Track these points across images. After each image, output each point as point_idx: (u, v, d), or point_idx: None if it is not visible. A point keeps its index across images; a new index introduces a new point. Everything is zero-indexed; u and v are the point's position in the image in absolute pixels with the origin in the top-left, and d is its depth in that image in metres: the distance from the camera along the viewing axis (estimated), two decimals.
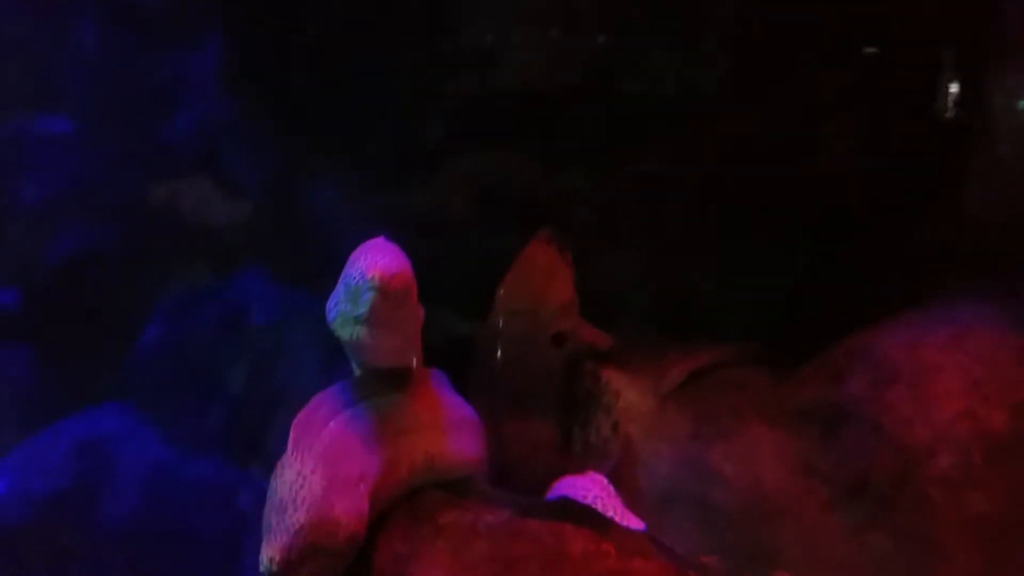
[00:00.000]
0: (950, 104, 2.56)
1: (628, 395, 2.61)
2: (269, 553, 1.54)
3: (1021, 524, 2.00)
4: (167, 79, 4.36)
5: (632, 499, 2.34)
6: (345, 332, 1.82)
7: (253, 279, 3.96)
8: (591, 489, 2.02)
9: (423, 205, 3.02)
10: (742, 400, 2.43)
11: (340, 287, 1.82)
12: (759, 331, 2.74)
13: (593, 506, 1.94)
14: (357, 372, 2.06)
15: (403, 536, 1.66)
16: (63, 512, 3.33)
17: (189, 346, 3.86)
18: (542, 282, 2.76)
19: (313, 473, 1.62)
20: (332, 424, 1.75)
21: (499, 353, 2.72)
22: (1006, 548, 2.00)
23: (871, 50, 2.58)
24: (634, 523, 1.90)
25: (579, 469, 2.32)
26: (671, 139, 2.80)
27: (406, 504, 1.77)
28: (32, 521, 3.29)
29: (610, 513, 1.91)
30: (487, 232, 3.03)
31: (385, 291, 1.70)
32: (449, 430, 2.01)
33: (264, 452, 3.23)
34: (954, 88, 2.55)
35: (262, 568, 1.55)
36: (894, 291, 2.41)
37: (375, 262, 1.73)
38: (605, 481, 2.08)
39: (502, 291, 2.77)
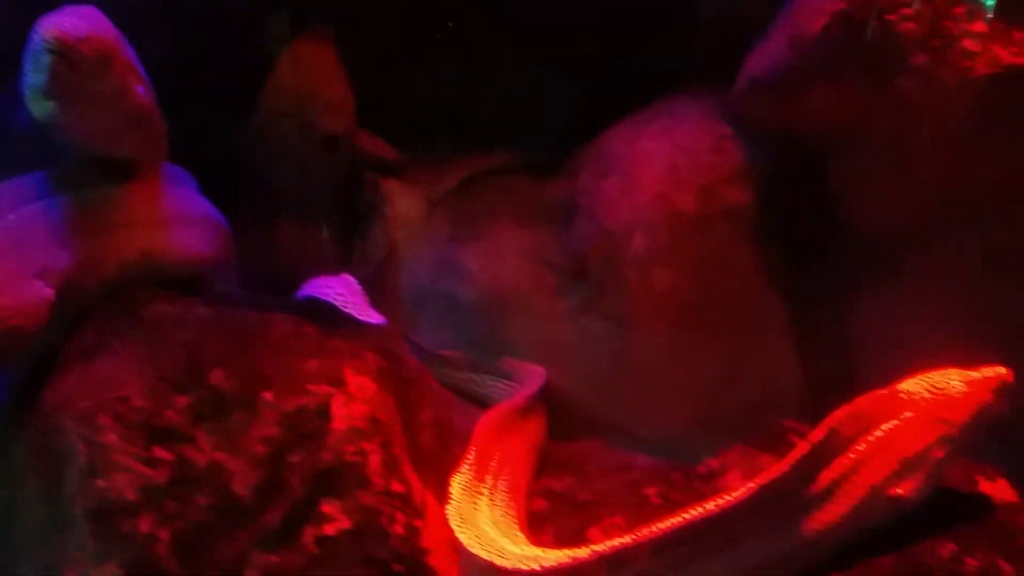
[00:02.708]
0: None
1: (400, 203, 2.56)
2: None
3: (701, 300, 2.14)
4: None
5: (392, 300, 2.35)
6: (37, 108, 1.60)
7: None
8: (335, 287, 1.96)
9: None
10: (501, 202, 2.43)
11: (26, 57, 1.57)
12: (543, 144, 2.71)
13: (333, 303, 1.89)
14: None
15: (98, 328, 1.55)
16: None
17: None
18: (309, 81, 2.56)
19: None
20: (11, 216, 1.57)
21: (265, 157, 2.56)
22: (688, 323, 2.13)
23: None
24: (374, 318, 1.87)
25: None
26: None
27: (113, 300, 1.64)
28: None
29: (349, 309, 1.86)
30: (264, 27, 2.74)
31: (67, 54, 1.47)
32: (175, 226, 1.86)
33: None
34: None
35: None
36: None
37: (56, 23, 1.49)
38: (353, 281, 2.02)
39: (266, 90, 2.56)
